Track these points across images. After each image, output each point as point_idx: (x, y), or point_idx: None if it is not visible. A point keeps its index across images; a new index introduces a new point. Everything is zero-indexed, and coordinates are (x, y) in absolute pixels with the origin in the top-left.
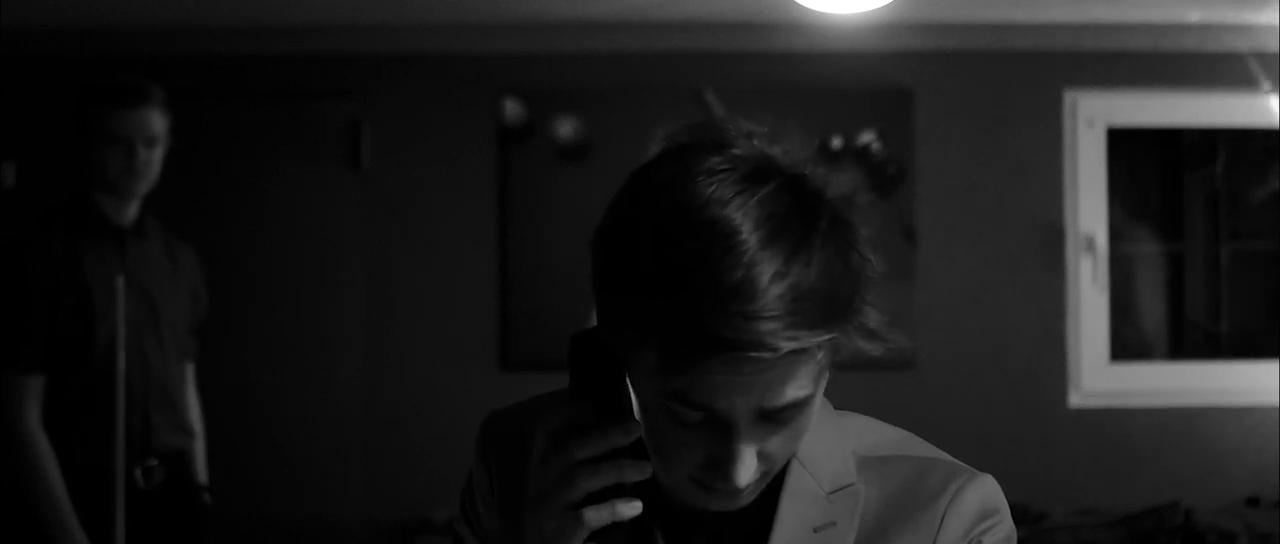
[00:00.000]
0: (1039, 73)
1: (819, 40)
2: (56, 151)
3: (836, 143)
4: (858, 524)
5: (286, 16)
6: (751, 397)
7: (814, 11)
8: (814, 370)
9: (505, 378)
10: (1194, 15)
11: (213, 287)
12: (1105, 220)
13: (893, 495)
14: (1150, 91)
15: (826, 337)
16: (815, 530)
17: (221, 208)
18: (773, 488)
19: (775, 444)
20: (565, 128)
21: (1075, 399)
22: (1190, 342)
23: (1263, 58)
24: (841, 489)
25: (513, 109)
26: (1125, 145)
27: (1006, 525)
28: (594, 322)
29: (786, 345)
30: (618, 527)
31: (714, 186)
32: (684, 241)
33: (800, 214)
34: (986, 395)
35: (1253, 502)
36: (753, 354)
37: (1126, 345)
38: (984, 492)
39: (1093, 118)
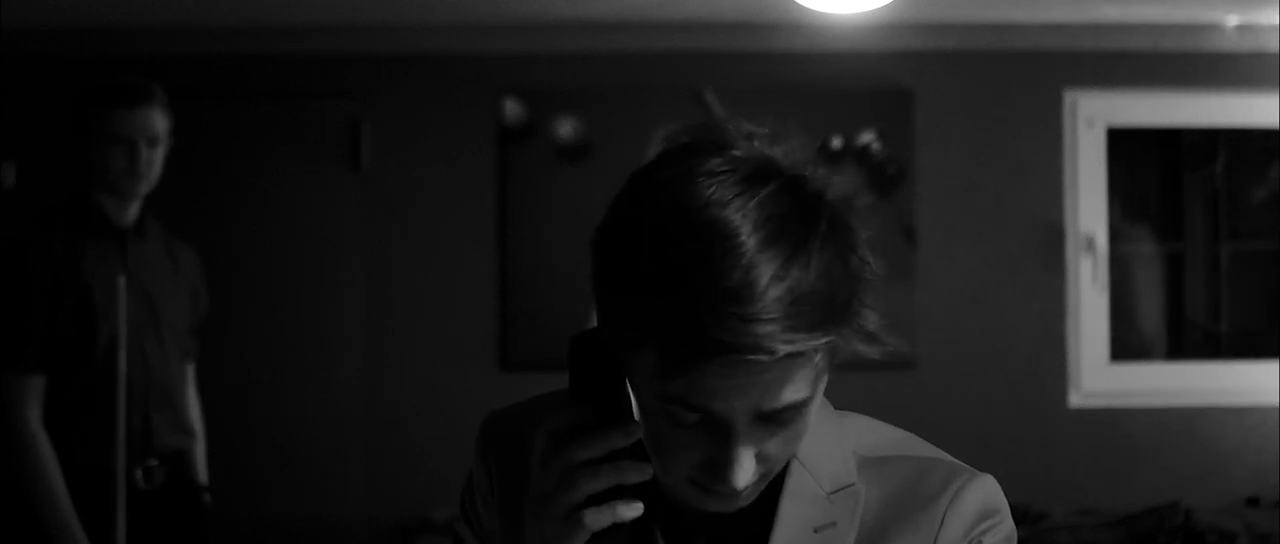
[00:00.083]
0: (1039, 73)
1: (819, 40)
2: (56, 151)
3: (836, 143)
4: (858, 524)
5: (286, 16)
6: (749, 399)
7: (814, 11)
8: (812, 373)
9: (505, 378)
10: (1188, 14)
11: (213, 286)
12: (1105, 220)
13: (893, 495)
14: (1150, 91)
15: (824, 340)
16: (815, 531)
17: (221, 208)
18: (773, 488)
19: (773, 446)
20: (565, 128)
21: (1075, 399)
22: (1190, 342)
23: (1263, 58)
24: (842, 489)
25: (513, 109)
26: (1125, 145)
27: (1007, 525)
28: (594, 322)
29: (784, 349)
30: (618, 528)
31: (714, 188)
32: (683, 242)
33: (800, 216)
34: (986, 395)
35: (1253, 502)
36: (750, 357)
37: (1125, 346)
38: (984, 492)
39: (1093, 118)
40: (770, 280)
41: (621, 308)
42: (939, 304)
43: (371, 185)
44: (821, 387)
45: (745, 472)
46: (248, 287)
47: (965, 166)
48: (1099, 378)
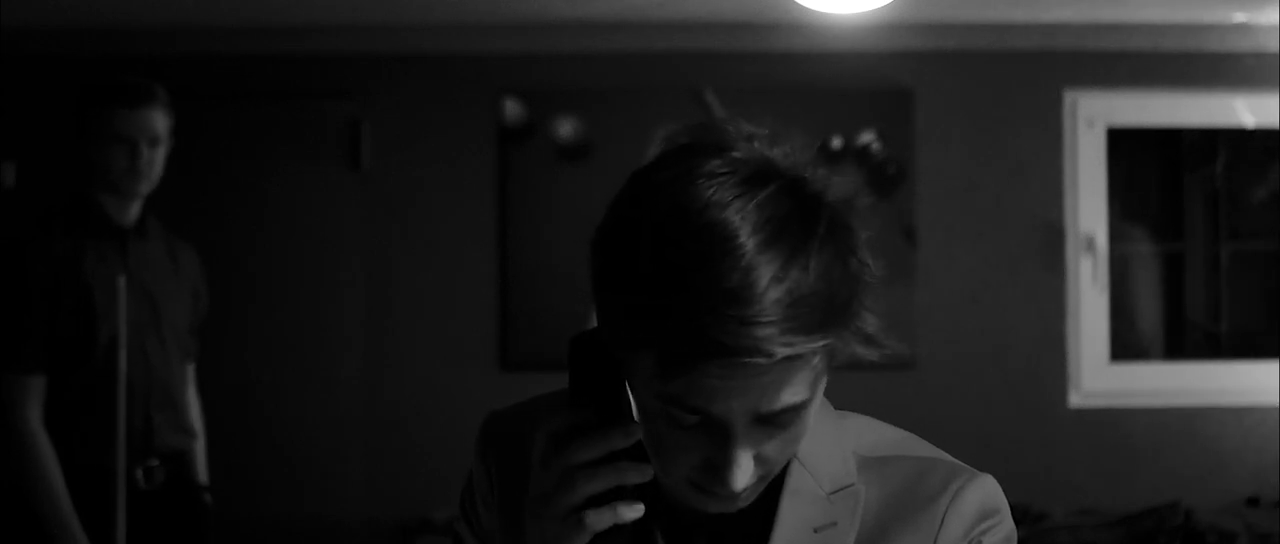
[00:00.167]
0: (1039, 73)
1: (819, 40)
2: (56, 151)
3: (836, 143)
4: (858, 524)
5: (286, 16)
6: (748, 401)
7: (814, 11)
8: (811, 375)
9: (505, 378)
10: (1188, 14)
11: (213, 286)
12: (1105, 220)
13: (893, 495)
14: (1150, 91)
15: (823, 343)
16: (815, 531)
17: (222, 208)
18: (773, 488)
19: (772, 448)
20: (565, 128)
21: (1075, 399)
22: (1190, 342)
23: (1262, 58)
24: (842, 489)
25: (513, 109)
26: (1125, 145)
27: (1007, 525)
28: (594, 322)
29: (782, 351)
30: (619, 528)
31: (713, 189)
32: (683, 244)
33: (799, 218)
34: (986, 395)
35: (1253, 502)
36: (749, 359)
37: (1124, 346)
38: (984, 492)
39: (1093, 118)
40: (769, 282)
41: (621, 309)
42: (939, 304)
43: (371, 185)
44: (820, 388)
45: (744, 473)
46: (248, 287)
47: (965, 166)
48: (1099, 378)
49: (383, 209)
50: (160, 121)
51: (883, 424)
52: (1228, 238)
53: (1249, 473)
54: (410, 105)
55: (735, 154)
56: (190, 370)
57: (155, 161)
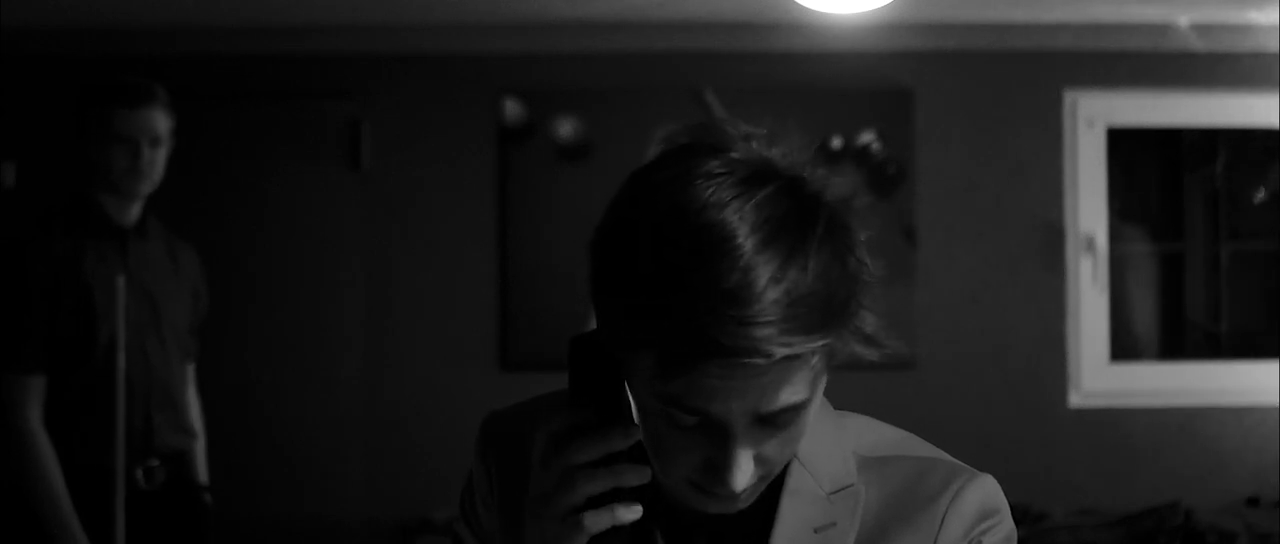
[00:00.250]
0: (1039, 73)
1: (819, 40)
2: (56, 151)
3: (836, 143)
4: (858, 524)
5: (286, 16)
6: (747, 401)
7: (814, 11)
8: (810, 375)
9: (505, 378)
10: (1189, 16)
11: (213, 286)
12: (1105, 220)
13: (893, 495)
14: (1150, 91)
15: (822, 342)
16: (816, 531)
17: (222, 208)
18: (773, 488)
19: (772, 448)
20: (565, 128)
21: (1075, 399)
22: (1190, 342)
23: (1262, 58)
24: (842, 490)
25: (513, 109)
26: (1125, 145)
27: (1007, 525)
28: (594, 323)
29: (781, 351)
30: (618, 529)
31: (712, 189)
32: (681, 244)
33: (798, 218)
34: (986, 395)
35: (1253, 502)
36: (748, 359)
37: (1120, 346)
38: (984, 492)
39: (1093, 118)
40: (768, 282)
41: (620, 309)
42: (939, 304)
43: (371, 185)
44: (820, 388)
45: (743, 474)
46: (248, 287)
47: (965, 166)
48: (1099, 378)
49: (383, 209)
50: (161, 122)
51: (883, 424)
52: (1228, 238)
53: (1249, 473)
54: (410, 105)
55: (733, 154)
56: (190, 370)
57: (156, 162)
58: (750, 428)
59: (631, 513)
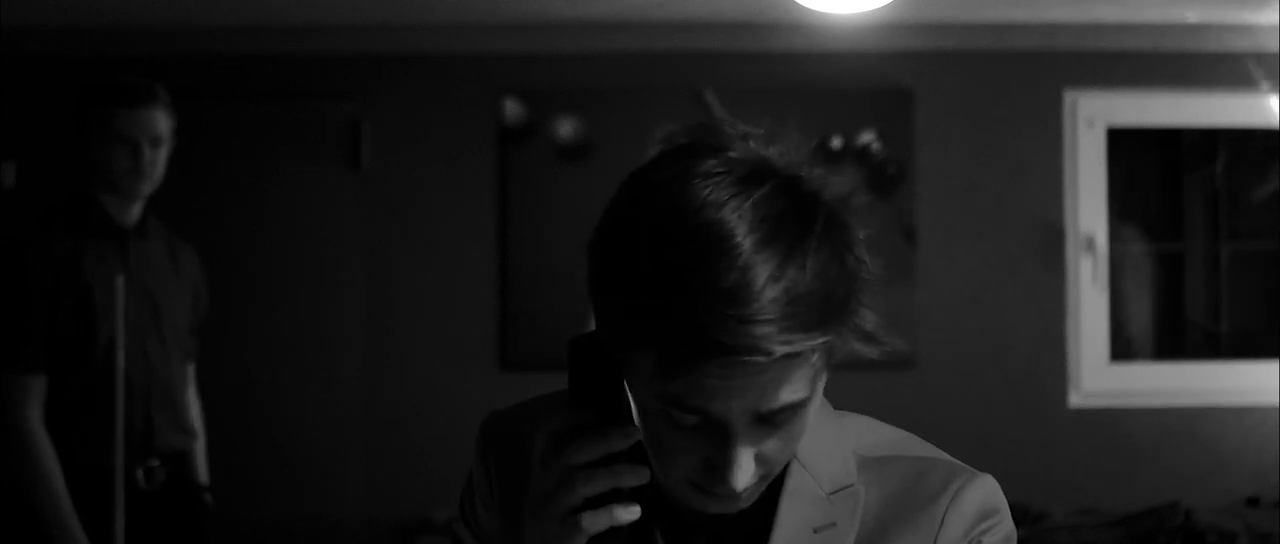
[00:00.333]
0: (1039, 73)
1: (819, 40)
2: (56, 151)
3: (836, 143)
4: (858, 525)
5: (286, 16)
6: (747, 400)
7: (814, 11)
8: (810, 373)
9: (505, 378)
10: (1193, 15)
11: (213, 286)
12: (1105, 220)
13: (893, 496)
14: (1150, 91)
15: (821, 340)
16: (815, 531)
17: (222, 208)
18: (773, 489)
19: (772, 447)
20: (565, 128)
21: (1075, 399)
22: (1190, 342)
23: (1262, 58)
24: (842, 490)
25: (513, 109)
26: (1125, 145)
27: (1006, 525)
28: (593, 324)
29: (780, 349)
30: (617, 529)
31: (709, 189)
32: (680, 244)
33: (796, 216)
34: (986, 395)
35: (1253, 502)
36: (747, 358)
37: (1115, 346)
38: (984, 492)
39: (1093, 118)
40: (767, 281)
41: (619, 310)
42: (939, 304)
43: (371, 185)
44: (820, 387)
45: (744, 473)
46: (248, 287)
47: (965, 166)
48: (1099, 378)
49: (383, 209)
50: (162, 122)
51: (882, 424)
52: (1228, 238)
53: (1249, 473)
54: (410, 105)
55: (731, 154)
56: (190, 370)
57: (157, 162)
58: (750, 427)
59: (630, 513)
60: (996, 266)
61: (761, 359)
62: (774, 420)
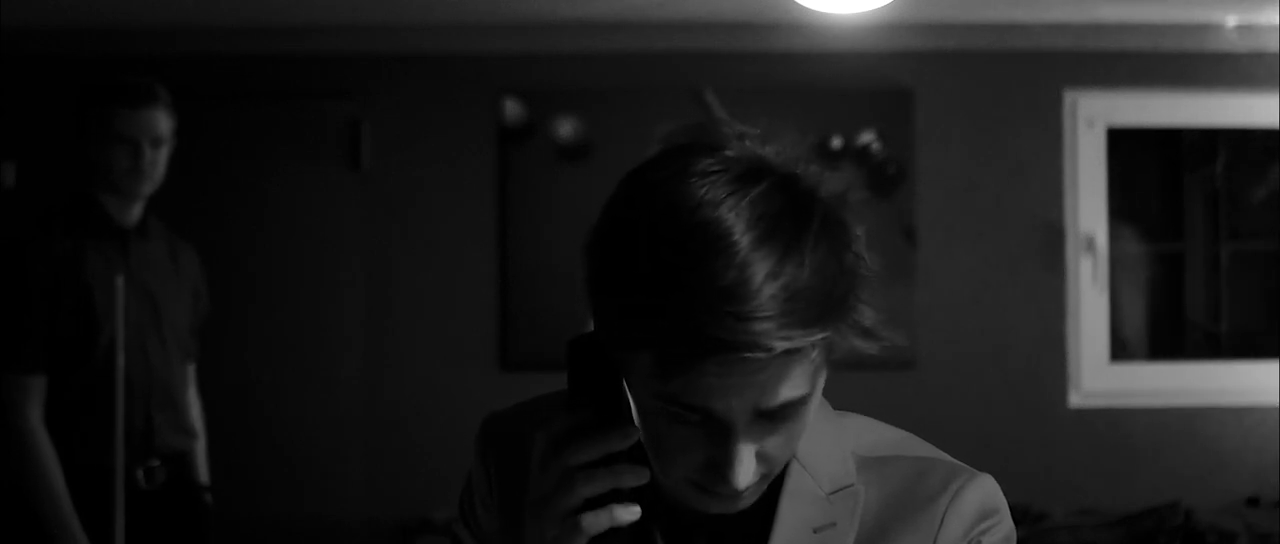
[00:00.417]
0: (1039, 73)
1: (819, 40)
2: (57, 151)
3: (836, 143)
4: (858, 525)
5: (286, 16)
6: (748, 397)
7: (814, 11)
8: (809, 369)
9: (505, 378)
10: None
11: (213, 286)
12: (1105, 220)
13: (892, 496)
14: (1150, 91)
15: (821, 335)
16: (815, 531)
17: (222, 208)
18: (772, 489)
19: (773, 444)
20: (565, 128)
21: (1075, 399)
22: (1190, 342)
23: (1262, 57)
24: (841, 490)
25: (513, 109)
26: (1125, 145)
27: (1006, 525)
28: (592, 325)
29: (781, 345)
30: (617, 530)
31: (706, 188)
32: (676, 243)
33: (792, 214)
34: (986, 395)
35: (1253, 502)
36: (747, 354)
37: (1120, 345)
38: (984, 491)
39: (1093, 118)
40: (765, 278)
41: (617, 310)
42: (939, 304)
43: (371, 185)
44: (820, 383)
45: (746, 471)
46: (248, 287)
47: (965, 166)
48: (1099, 378)
49: (383, 209)
50: (163, 122)
51: (882, 424)
52: (1228, 238)
53: (1249, 473)
54: (410, 105)
55: (727, 153)
56: (191, 371)
57: (158, 162)
58: (751, 424)
59: (630, 514)
60: (996, 267)
61: (761, 355)
62: (775, 417)
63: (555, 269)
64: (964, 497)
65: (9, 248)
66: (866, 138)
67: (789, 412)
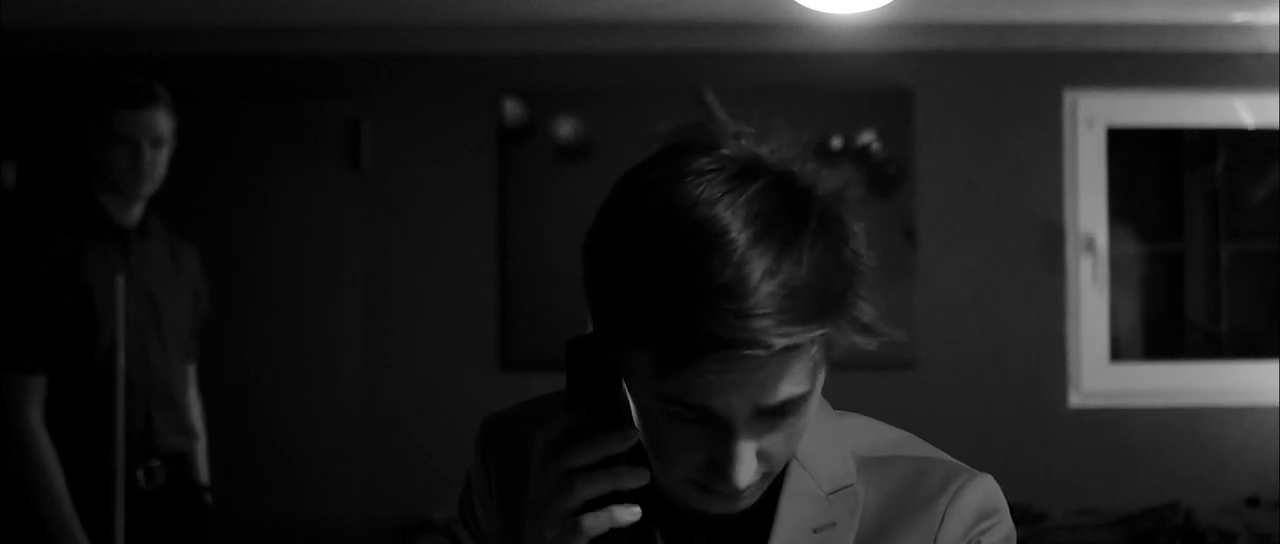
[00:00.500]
0: (1039, 73)
1: (819, 40)
2: (57, 151)
3: (836, 143)
4: (857, 525)
5: (286, 16)
6: (747, 395)
7: (814, 11)
8: (809, 366)
9: (505, 378)
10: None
11: (213, 287)
12: (1105, 220)
13: (892, 496)
14: (1150, 91)
15: (819, 332)
16: (815, 531)
17: (222, 208)
18: (772, 489)
19: (774, 443)
20: (565, 128)
21: (1075, 399)
22: (1190, 342)
23: (1262, 57)
24: (841, 490)
25: (513, 109)
26: (1125, 145)
27: (1006, 525)
28: (591, 326)
29: (780, 342)
30: (618, 531)
31: (702, 186)
32: (674, 242)
33: (789, 211)
34: (986, 395)
35: (1253, 502)
36: (746, 352)
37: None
38: (983, 491)
39: (1093, 118)
40: (763, 275)
41: (615, 310)
42: (939, 304)
43: (371, 185)
44: (819, 381)
45: (747, 469)
46: (248, 287)
47: (965, 166)
48: (1099, 378)
49: (383, 209)
50: (163, 122)
51: (881, 424)
52: (1228, 238)
53: (1249, 473)
54: (410, 105)
55: (723, 152)
56: (191, 371)
57: (158, 162)
58: (751, 422)
59: (630, 515)
60: (996, 267)
61: (760, 352)
62: (775, 415)
63: (555, 269)
64: (964, 497)
65: (9, 248)
66: (866, 138)
67: (789, 409)
